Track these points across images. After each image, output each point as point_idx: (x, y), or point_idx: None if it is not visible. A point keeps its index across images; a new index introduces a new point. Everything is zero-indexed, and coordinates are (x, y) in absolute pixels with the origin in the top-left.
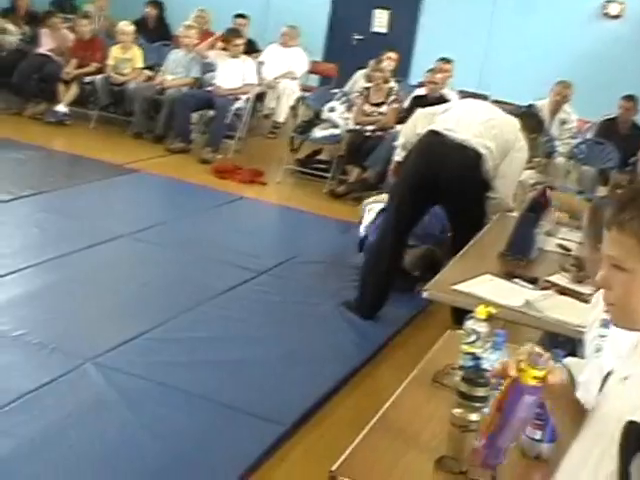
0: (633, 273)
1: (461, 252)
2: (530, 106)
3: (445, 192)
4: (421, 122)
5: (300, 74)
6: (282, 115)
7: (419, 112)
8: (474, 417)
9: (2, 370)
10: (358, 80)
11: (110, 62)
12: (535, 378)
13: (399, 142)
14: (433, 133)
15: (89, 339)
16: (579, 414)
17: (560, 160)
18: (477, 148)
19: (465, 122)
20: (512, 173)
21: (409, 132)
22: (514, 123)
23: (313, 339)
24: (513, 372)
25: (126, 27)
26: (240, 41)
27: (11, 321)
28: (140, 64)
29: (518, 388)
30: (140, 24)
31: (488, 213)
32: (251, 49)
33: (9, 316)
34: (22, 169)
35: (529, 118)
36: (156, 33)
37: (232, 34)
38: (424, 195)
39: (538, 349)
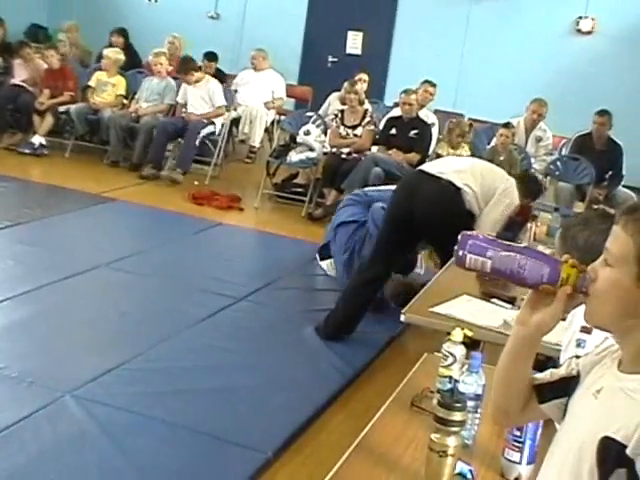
0: (616, 271)
1: (438, 274)
2: (507, 124)
3: (420, 223)
4: None
5: (283, 96)
6: (257, 139)
7: None
8: (451, 441)
9: None
10: (332, 102)
11: (91, 84)
12: (568, 275)
13: None
14: (415, 172)
15: (68, 371)
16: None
17: None
18: (454, 181)
19: (446, 162)
20: (495, 214)
21: None
22: (502, 173)
23: (294, 364)
24: (572, 261)
25: (112, 54)
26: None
27: None
28: (122, 91)
29: (553, 260)
30: None
31: None
32: (220, 78)
33: None
34: None
35: (531, 183)
36: (125, 61)
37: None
38: (404, 227)
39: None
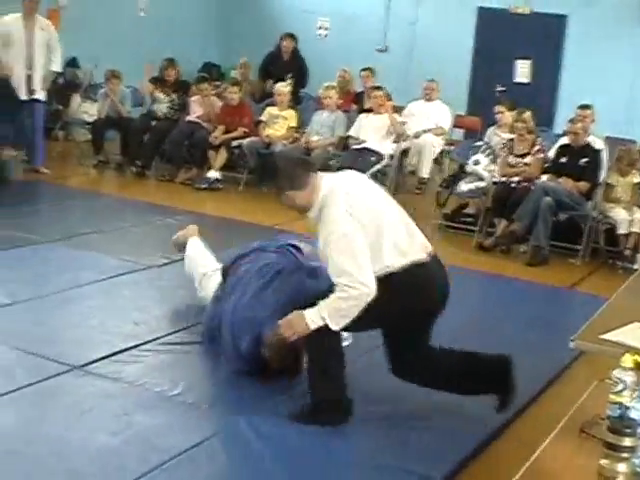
0: None
1: (609, 301)
2: None
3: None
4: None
5: (447, 128)
6: (425, 170)
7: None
8: (622, 467)
9: (160, 429)
10: (492, 133)
11: (263, 118)
12: None
13: None
14: (428, 258)
15: (241, 397)
16: None
17: None
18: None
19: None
20: None
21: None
22: None
23: None
24: None
25: (283, 88)
26: (379, 92)
27: (167, 382)
28: (294, 123)
29: None
30: (274, 57)
31: None
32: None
33: (165, 377)
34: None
35: None
36: (293, 66)
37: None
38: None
39: None
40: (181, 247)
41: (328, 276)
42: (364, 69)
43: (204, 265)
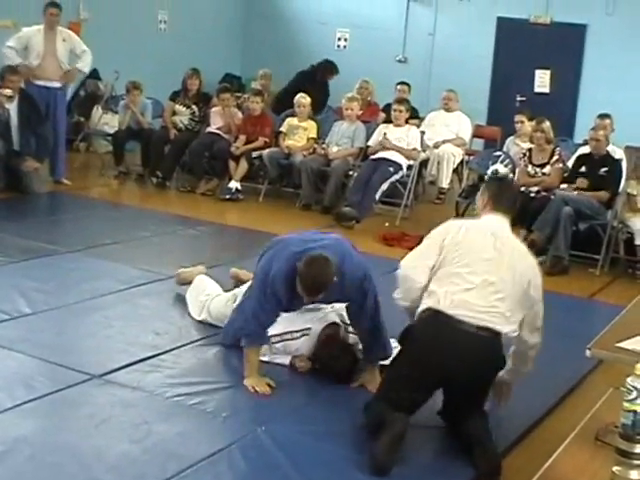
0: None
1: (626, 309)
2: None
3: (454, 383)
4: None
5: (468, 139)
6: (445, 180)
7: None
8: (634, 475)
9: (179, 438)
10: (511, 142)
11: (283, 129)
12: None
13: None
14: (436, 314)
15: (260, 406)
16: None
17: None
18: (494, 327)
19: (476, 296)
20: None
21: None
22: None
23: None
24: None
25: (303, 99)
26: (400, 106)
27: (186, 391)
28: (314, 134)
29: None
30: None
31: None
32: (412, 116)
33: (184, 386)
34: (195, 244)
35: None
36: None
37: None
38: (429, 387)
39: None
40: (183, 282)
41: None
42: (400, 83)
43: (210, 291)
